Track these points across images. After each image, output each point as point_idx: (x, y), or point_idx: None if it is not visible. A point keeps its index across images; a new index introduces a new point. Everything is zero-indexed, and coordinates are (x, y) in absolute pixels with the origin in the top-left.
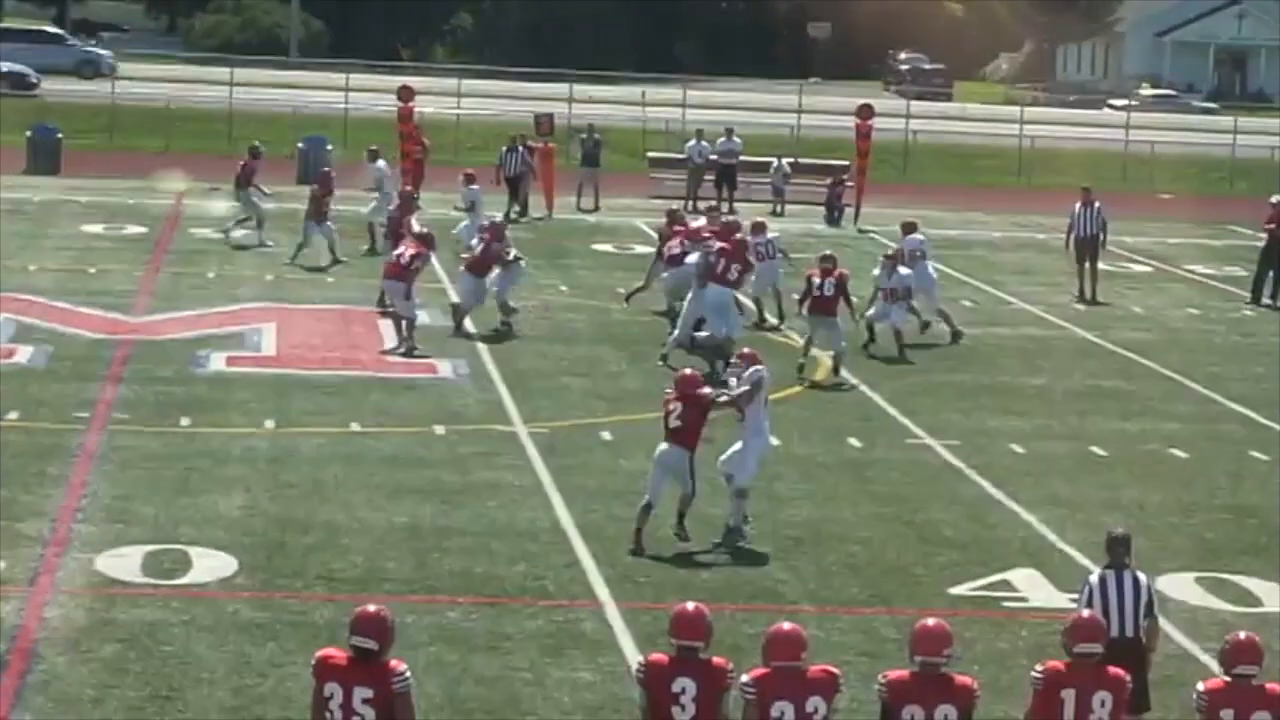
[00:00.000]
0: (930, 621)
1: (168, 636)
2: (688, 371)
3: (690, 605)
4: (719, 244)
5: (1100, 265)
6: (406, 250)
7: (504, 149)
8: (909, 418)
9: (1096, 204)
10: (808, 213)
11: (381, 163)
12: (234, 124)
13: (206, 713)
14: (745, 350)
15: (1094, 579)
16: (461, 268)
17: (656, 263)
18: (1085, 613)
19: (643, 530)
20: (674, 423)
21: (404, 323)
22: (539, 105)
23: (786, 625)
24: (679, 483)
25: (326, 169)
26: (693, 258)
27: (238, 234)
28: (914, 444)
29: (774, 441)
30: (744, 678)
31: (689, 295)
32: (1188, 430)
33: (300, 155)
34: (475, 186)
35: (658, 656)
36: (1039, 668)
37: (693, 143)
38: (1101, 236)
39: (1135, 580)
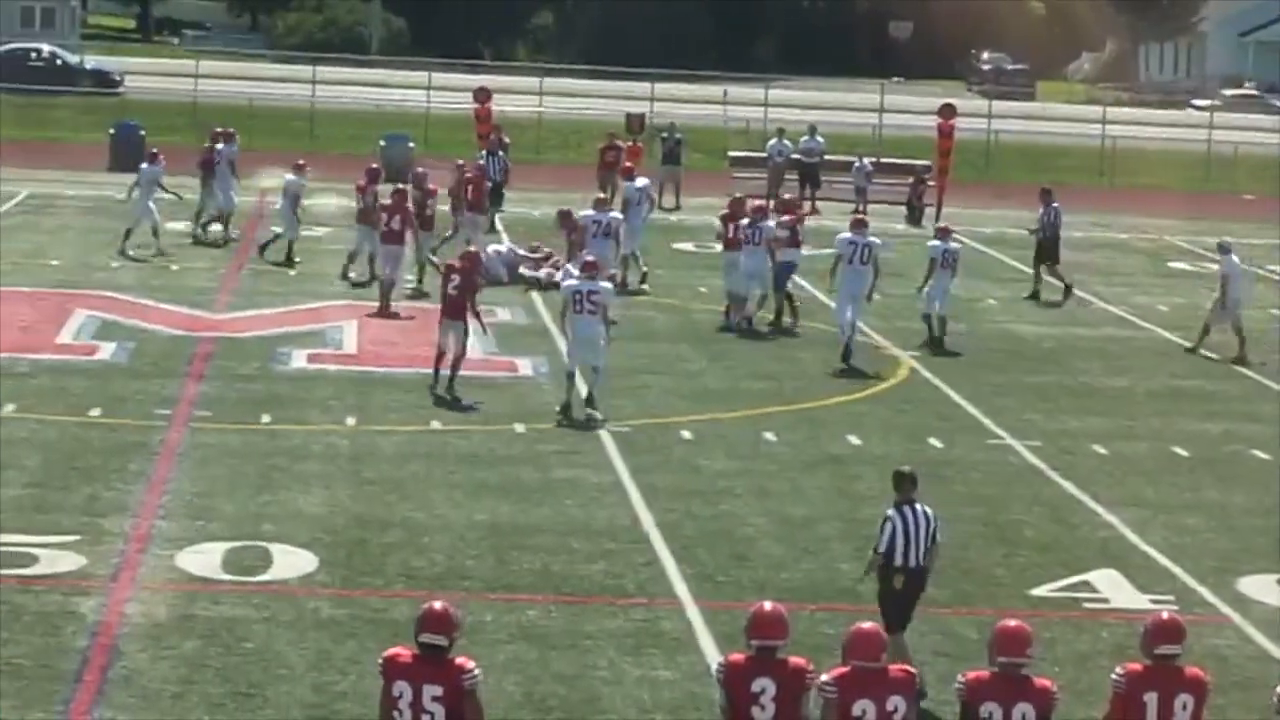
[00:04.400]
0: (1011, 623)
1: (248, 633)
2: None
3: (768, 605)
4: None
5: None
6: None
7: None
8: (990, 418)
9: (1055, 205)
10: (889, 212)
11: None
12: (315, 122)
13: (287, 709)
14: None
15: (893, 514)
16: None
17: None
18: (1164, 614)
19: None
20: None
21: None
22: (620, 104)
23: (867, 625)
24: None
25: (420, 169)
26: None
27: (215, 228)
28: (995, 444)
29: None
30: (824, 677)
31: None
32: (1270, 431)
33: (382, 153)
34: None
35: (737, 656)
36: (1119, 670)
37: (774, 141)
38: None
39: (925, 513)
